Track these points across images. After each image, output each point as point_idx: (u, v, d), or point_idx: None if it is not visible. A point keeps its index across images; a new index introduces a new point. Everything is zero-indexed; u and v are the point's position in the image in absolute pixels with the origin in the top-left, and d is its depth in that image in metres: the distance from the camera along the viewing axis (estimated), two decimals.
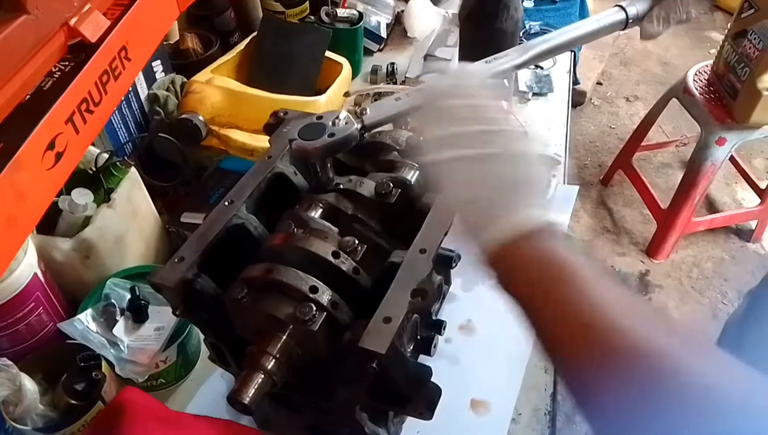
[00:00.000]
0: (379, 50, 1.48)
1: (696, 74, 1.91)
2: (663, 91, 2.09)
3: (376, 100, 1.27)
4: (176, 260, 0.57)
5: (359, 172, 0.67)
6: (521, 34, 1.39)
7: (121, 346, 0.76)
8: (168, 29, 1.13)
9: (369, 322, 0.50)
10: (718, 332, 0.93)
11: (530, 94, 1.32)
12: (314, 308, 0.52)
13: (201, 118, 1.04)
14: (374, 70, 1.37)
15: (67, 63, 0.48)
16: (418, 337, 0.67)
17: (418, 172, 0.66)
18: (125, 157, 0.91)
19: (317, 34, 1.23)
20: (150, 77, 1.11)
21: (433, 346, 0.68)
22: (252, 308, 0.54)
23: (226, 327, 0.59)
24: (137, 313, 0.78)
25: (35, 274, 0.74)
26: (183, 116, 1.04)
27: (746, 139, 1.78)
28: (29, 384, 0.68)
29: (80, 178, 0.85)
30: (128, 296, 0.79)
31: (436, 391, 0.56)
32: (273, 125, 0.71)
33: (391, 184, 0.63)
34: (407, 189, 0.64)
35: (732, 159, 2.19)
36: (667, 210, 2.05)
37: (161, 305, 0.79)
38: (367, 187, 0.64)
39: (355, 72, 1.35)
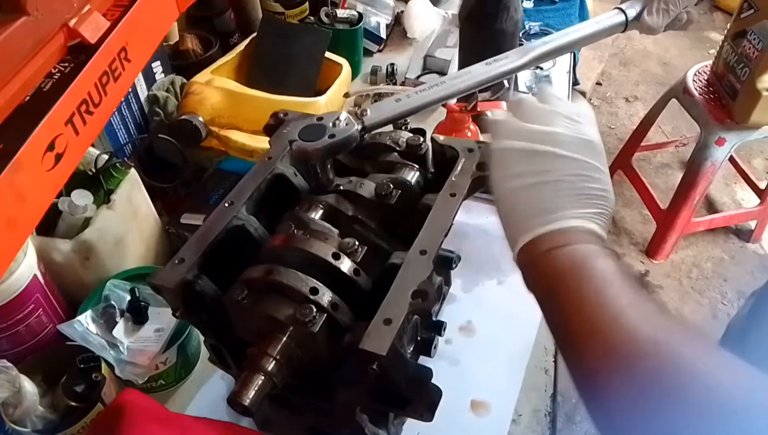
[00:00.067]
0: (379, 51, 1.48)
1: (695, 74, 1.91)
2: (662, 92, 2.09)
3: (375, 100, 1.27)
4: (176, 262, 0.57)
5: (359, 173, 0.67)
6: (521, 35, 1.39)
7: (121, 348, 0.76)
8: (168, 30, 1.13)
9: (369, 323, 0.50)
10: (720, 333, 0.93)
11: (530, 94, 1.32)
12: (314, 310, 0.52)
13: (201, 119, 1.04)
14: (374, 71, 1.37)
15: (66, 64, 0.48)
16: (419, 338, 0.67)
17: (417, 173, 0.66)
18: (125, 159, 0.91)
19: (317, 34, 1.23)
20: (150, 78, 1.11)
21: (433, 347, 0.68)
22: (252, 310, 0.54)
23: (226, 328, 0.59)
24: (137, 314, 0.78)
25: (35, 276, 0.74)
26: (183, 117, 1.04)
27: (746, 139, 1.78)
28: (29, 386, 0.67)
29: (80, 180, 0.85)
30: (128, 298, 0.79)
31: (437, 393, 0.56)
32: (273, 126, 0.71)
33: (392, 185, 0.63)
34: (407, 190, 0.64)
35: (731, 159, 2.19)
36: (667, 210, 2.05)
37: (161, 307, 0.79)
38: (368, 188, 0.64)
39: (355, 73, 1.35)
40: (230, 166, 1.07)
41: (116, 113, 1.02)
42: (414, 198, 0.64)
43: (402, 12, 1.52)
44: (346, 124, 0.59)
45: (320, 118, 0.61)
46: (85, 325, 0.77)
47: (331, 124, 0.59)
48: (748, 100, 1.66)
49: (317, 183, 0.65)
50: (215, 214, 0.61)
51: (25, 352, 0.76)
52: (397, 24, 1.54)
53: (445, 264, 0.68)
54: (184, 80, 1.14)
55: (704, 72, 1.90)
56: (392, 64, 1.37)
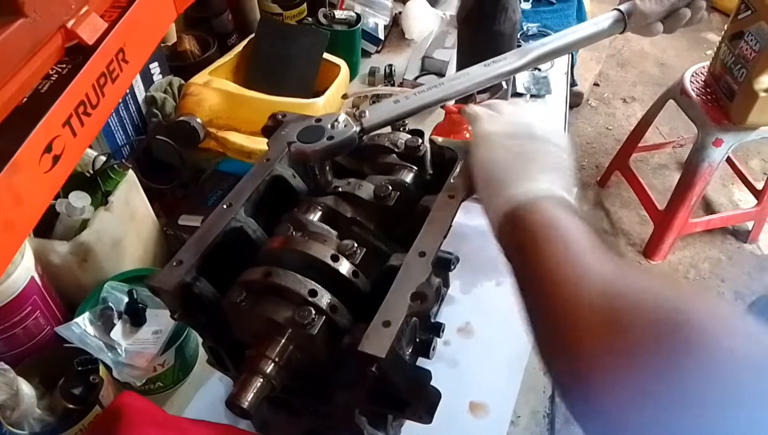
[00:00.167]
0: (377, 52, 1.48)
1: (693, 75, 1.92)
2: (660, 93, 2.09)
3: (374, 102, 1.27)
4: (174, 264, 0.56)
5: (358, 175, 0.67)
6: (519, 36, 1.39)
7: (119, 350, 0.75)
8: (165, 31, 1.13)
9: (368, 325, 0.49)
10: None
11: (528, 95, 1.32)
12: (313, 312, 0.52)
13: (199, 120, 1.04)
14: (372, 72, 1.37)
15: (64, 65, 0.48)
16: (417, 339, 0.66)
17: (416, 175, 0.66)
18: (123, 160, 0.90)
19: (315, 35, 1.23)
20: (147, 79, 1.11)
21: (432, 349, 0.68)
22: (251, 312, 0.54)
23: (225, 331, 0.59)
24: (135, 316, 0.78)
25: (32, 278, 0.74)
26: (181, 118, 1.03)
27: (743, 140, 1.79)
28: (26, 388, 0.67)
29: (77, 181, 0.85)
30: (126, 299, 0.79)
31: (436, 395, 0.56)
32: (271, 128, 0.71)
33: (390, 187, 0.63)
34: (406, 191, 0.64)
35: (728, 160, 2.20)
36: (664, 211, 2.05)
37: (159, 308, 0.78)
38: (366, 189, 0.63)
39: (353, 74, 1.35)
40: (228, 167, 1.07)
41: (114, 115, 1.02)
42: (412, 200, 0.64)
43: (400, 13, 1.52)
44: (345, 126, 0.59)
45: (319, 120, 0.60)
46: (82, 327, 0.76)
47: (329, 126, 0.59)
48: (746, 101, 1.66)
49: (316, 185, 0.65)
50: (213, 216, 0.60)
51: (23, 354, 0.76)
52: (395, 25, 1.54)
53: (443, 265, 0.67)
54: (182, 81, 1.14)
55: (701, 73, 1.91)
56: (390, 66, 1.37)
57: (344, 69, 1.22)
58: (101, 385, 0.71)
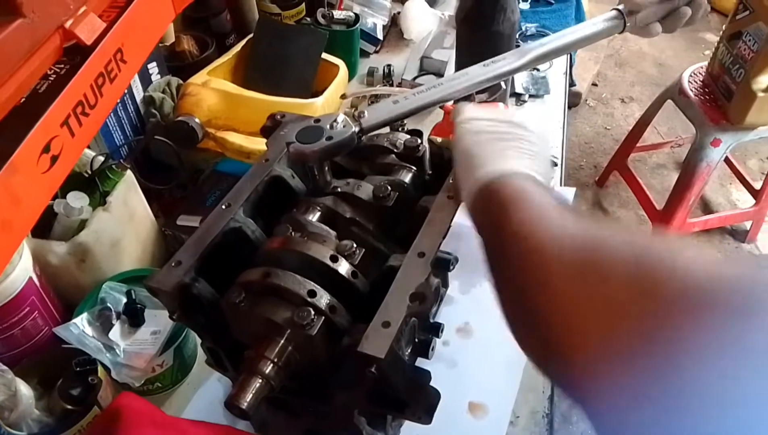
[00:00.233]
0: (376, 52, 1.48)
1: (691, 75, 1.92)
2: (658, 93, 2.09)
3: (372, 102, 1.27)
4: (173, 264, 0.56)
5: (357, 175, 0.67)
6: (517, 36, 1.39)
7: (117, 351, 0.75)
8: (164, 31, 1.13)
9: (368, 326, 0.49)
10: None
11: (527, 96, 1.32)
12: (312, 312, 0.52)
13: (197, 120, 1.04)
14: (371, 72, 1.37)
15: (62, 66, 0.48)
16: (416, 340, 0.66)
17: (415, 175, 0.66)
18: (121, 160, 0.90)
19: (313, 35, 1.23)
20: (146, 79, 1.11)
21: (431, 349, 0.68)
22: (250, 313, 0.54)
23: (224, 331, 0.59)
24: (133, 317, 0.78)
25: (30, 278, 0.74)
26: (179, 119, 1.03)
27: (741, 140, 1.79)
28: (24, 389, 0.67)
29: (76, 182, 0.84)
30: (124, 300, 0.79)
31: (435, 396, 0.56)
32: (270, 128, 0.71)
33: (389, 187, 0.63)
34: (405, 192, 0.64)
35: (726, 160, 2.20)
36: (663, 211, 2.05)
37: (157, 309, 0.78)
38: (365, 190, 0.63)
39: (352, 74, 1.35)
40: (227, 167, 1.07)
41: (112, 115, 1.02)
42: (412, 200, 0.64)
43: (399, 13, 1.52)
44: (344, 126, 0.59)
45: (317, 120, 0.60)
46: (81, 327, 0.76)
47: (328, 126, 0.59)
48: (744, 101, 1.67)
49: (315, 185, 0.65)
50: (212, 217, 0.60)
51: (21, 355, 0.76)
52: (394, 25, 1.54)
53: (442, 266, 0.67)
54: (181, 81, 1.13)
55: (700, 73, 1.91)
56: (389, 66, 1.36)
57: (343, 69, 1.22)
58: (100, 385, 0.70)
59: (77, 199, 0.81)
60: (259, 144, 1.01)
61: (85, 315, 0.78)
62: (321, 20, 1.33)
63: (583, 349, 0.35)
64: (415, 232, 0.57)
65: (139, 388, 0.77)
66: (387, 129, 0.68)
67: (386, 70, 1.36)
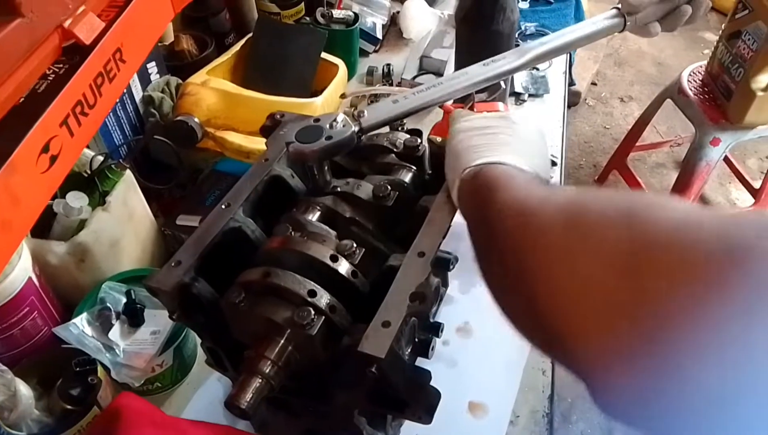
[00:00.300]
0: (375, 51, 1.48)
1: (690, 75, 1.92)
2: (657, 92, 2.09)
3: (372, 101, 1.27)
4: (173, 264, 0.56)
5: (356, 175, 0.67)
6: (517, 36, 1.39)
7: (117, 351, 0.75)
8: (163, 31, 1.13)
9: (368, 326, 0.49)
10: None
11: (526, 95, 1.32)
12: (312, 312, 0.52)
13: (196, 120, 1.04)
14: (370, 72, 1.37)
15: (61, 65, 0.48)
16: (416, 339, 0.66)
17: (415, 175, 0.66)
18: (120, 160, 0.90)
19: (313, 35, 1.22)
20: (145, 79, 1.11)
21: (430, 349, 0.68)
22: (250, 312, 0.54)
23: (224, 331, 0.59)
24: (133, 316, 0.78)
25: (30, 279, 0.74)
26: (178, 118, 1.03)
27: (740, 139, 1.79)
28: (24, 389, 0.67)
29: (75, 181, 0.84)
30: (124, 300, 0.79)
31: (436, 396, 0.56)
32: (270, 128, 0.71)
33: (389, 187, 0.63)
34: (405, 191, 0.64)
35: (726, 159, 2.20)
36: None
37: (157, 309, 0.78)
38: (365, 189, 0.63)
39: (351, 73, 1.35)
40: (226, 167, 1.07)
41: (111, 114, 1.02)
42: (411, 199, 0.64)
43: (398, 12, 1.52)
44: (343, 126, 0.59)
45: (317, 120, 0.60)
46: (80, 327, 0.76)
47: (328, 126, 0.59)
48: (743, 101, 1.67)
49: (314, 185, 0.64)
50: (212, 216, 0.60)
51: (21, 355, 0.76)
52: (393, 24, 1.54)
53: (442, 265, 0.67)
54: (180, 81, 1.13)
55: (699, 72, 1.91)
56: (388, 65, 1.36)
57: (342, 68, 1.22)
58: (99, 385, 0.70)
59: (76, 199, 0.80)
60: (258, 143, 1.01)
61: (84, 315, 0.78)
62: (320, 19, 1.33)
63: (582, 331, 0.34)
64: (415, 232, 0.57)
65: (139, 388, 0.76)
66: (387, 128, 0.68)
67: (386, 70, 1.36)
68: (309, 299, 0.53)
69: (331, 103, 1.15)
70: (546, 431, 0.79)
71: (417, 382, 0.56)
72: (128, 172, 0.89)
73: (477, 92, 0.93)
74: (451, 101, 0.73)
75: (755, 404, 0.28)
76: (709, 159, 1.82)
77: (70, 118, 0.47)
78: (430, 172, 0.69)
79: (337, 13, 1.35)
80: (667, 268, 0.30)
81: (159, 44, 1.19)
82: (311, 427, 0.68)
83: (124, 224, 0.88)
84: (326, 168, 0.63)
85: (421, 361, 0.67)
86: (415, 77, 1.32)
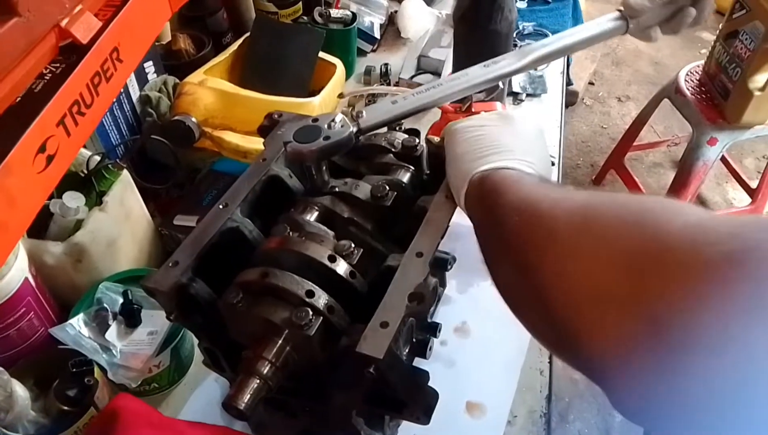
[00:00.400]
0: (373, 51, 1.47)
1: (687, 74, 1.92)
2: (654, 92, 2.10)
3: (369, 101, 1.27)
4: (170, 264, 0.56)
5: (354, 175, 0.66)
6: (514, 35, 1.39)
7: (114, 351, 0.75)
8: (160, 30, 1.13)
9: (366, 326, 0.49)
10: None
11: (524, 95, 1.32)
12: (310, 313, 0.51)
13: (194, 119, 1.03)
14: (368, 71, 1.36)
15: (58, 65, 0.48)
16: (414, 339, 0.66)
17: (413, 175, 0.66)
18: (117, 160, 0.90)
19: (310, 34, 1.22)
20: (142, 78, 1.10)
21: (428, 349, 0.68)
22: (247, 313, 0.54)
23: (221, 332, 0.58)
24: (130, 317, 0.77)
25: (26, 279, 0.74)
26: (175, 118, 1.03)
27: (737, 139, 1.79)
28: (20, 390, 0.67)
29: (72, 181, 0.84)
30: (121, 300, 0.79)
31: (434, 396, 0.56)
32: (267, 127, 0.71)
33: (387, 187, 0.62)
34: (403, 192, 0.64)
35: (723, 159, 2.20)
36: None
37: (154, 309, 0.78)
38: (363, 189, 0.63)
39: (349, 73, 1.35)
40: (224, 167, 1.07)
41: (108, 114, 1.01)
42: (410, 200, 0.64)
43: (396, 12, 1.52)
44: (342, 126, 0.59)
45: (315, 120, 0.60)
46: (77, 328, 0.76)
47: (326, 126, 0.59)
48: (740, 100, 1.67)
49: (312, 185, 0.64)
50: (209, 217, 0.60)
51: (17, 356, 0.75)
52: (391, 24, 1.54)
53: (440, 266, 0.67)
54: (177, 80, 1.13)
55: (696, 72, 1.91)
56: (386, 64, 1.36)
57: (340, 68, 1.22)
58: (96, 386, 0.70)
59: (73, 199, 0.80)
60: (256, 143, 1.00)
61: (81, 315, 0.77)
62: (318, 19, 1.33)
63: (592, 329, 0.35)
64: (413, 232, 0.57)
65: (136, 389, 0.76)
66: (384, 128, 0.68)
67: (383, 69, 1.36)
68: (307, 300, 0.52)
69: (328, 103, 1.15)
70: (543, 431, 0.79)
71: (415, 382, 0.56)
72: (125, 172, 0.89)
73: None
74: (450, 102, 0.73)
75: (756, 402, 0.28)
76: (706, 158, 1.83)
77: (66, 118, 0.47)
78: (428, 172, 0.69)
79: (334, 13, 1.35)
80: (676, 269, 0.31)
81: (156, 43, 1.19)
82: (309, 427, 0.68)
83: (121, 224, 0.87)
84: (324, 168, 0.63)
85: (418, 362, 0.66)
86: (412, 77, 1.32)
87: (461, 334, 0.86)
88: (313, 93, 1.14)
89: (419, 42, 1.40)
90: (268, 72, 1.18)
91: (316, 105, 1.10)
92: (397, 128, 0.72)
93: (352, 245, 0.58)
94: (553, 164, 1.12)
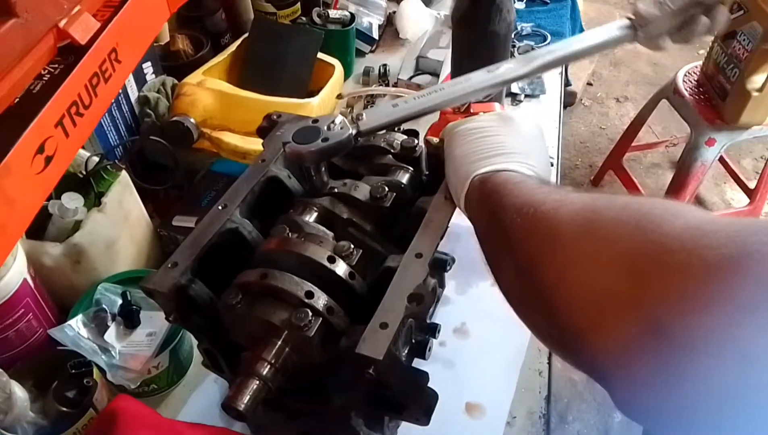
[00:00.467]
0: (371, 51, 1.48)
1: (686, 75, 1.92)
2: (653, 92, 2.10)
3: (368, 101, 1.27)
4: (169, 265, 0.56)
5: (354, 176, 0.66)
6: (513, 36, 1.39)
7: (113, 352, 0.75)
8: (158, 31, 1.12)
9: (365, 327, 0.49)
10: None
11: (522, 96, 1.32)
12: (310, 314, 0.51)
13: (192, 120, 1.03)
14: (366, 72, 1.37)
15: (56, 65, 0.48)
16: (413, 340, 0.66)
17: (412, 176, 0.66)
18: (116, 161, 0.90)
19: (309, 35, 1.22)
20: (140, 79, 1.10)
21: (427, 350, 0.68)
22: (247, 314, 0.54)
23: (220, 333, 0.58)
24: (129, 318, 0.77)
25: (25, 280, 0.73)
26: (174, 119, 1.03)
27: (735, 139, 1.80)
28: (19, 392, 0.66)
29: (70, 182, 0.84)
30: (119, 301, 0.79)
31: (433, 397, 0.56)
32: (266, 128, 0.71)
33: (386, 188, 0.62)
34: (402, 192, 0.63)
35: (721, 159, 2.21)
36: None
37: (153, 310, 0.78)
38: (362, 190, 0.63)
39: (347, 73, 1.35)
40: (222, 168, 1.07)
41: (107, 115, 1.01)
42: (409, 201, 0.63)
43: (394, 13, 1.52)
44: (341, 128, 0.59)
45: (316, 121, 0.60)
46: (76, 329, 0.76)
47: (325, 128, 0.59)
48: (738, 101, 1.67)
49: (311, 186, 0.64)
50: (208, 218, 0.60)
51: (16, 357, 0.75)
52: (390, 25, 1.54)
53: (439, 266, 0.67)
54: (175, 81, 1.13)
55: (694, 72, 1.92)
56: (385, 65, 1.36)
57: (338, 69, 1.22)
58: (95, 388, 0.70)
59: (72, 200, 0.80)
60: (254, 144, 1.00)
61: (80, 317, 0.77)
62: (316, 20, 1.33)
63: (594, 329, 0.35)
64: (412, 233, 0.57)
65: (135, 390, 0.76)
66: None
67: (382, 70, 1.36)
68: (306, 301, 0.52)
69: (327, 104, 1.15)
70: (543, 432, 0.79)
71: (414, 383, 0.56)
72: (124, 173, 0.89)
73: None
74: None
75: (756, 403, 0.28)
76: (704, 159, 1.83)
77: (65, 119, 0.47)
78: (427, 172, 0.68)
79: (333, 13, 1.35)
80: (677, 272, 0.31)
81: (155, 44, 1.19)
82: (308, 428, 0.68)
83: (119, 225, 0.87)
84: (323, 169, 0.63)
85: (418, 362, 0.66)
86: (411, 77, 1.32)
87: (460, 335, 0.86)
88: (312, 94, 1.14)
89: (418, 43, 1.40)
90: (267, 73, 1.18)
91: (314, 106, 1.10)
92: (396, 129, 0.71)
93: (352, 246, 0.58)
94: (552, 165, 1.12)
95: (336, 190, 0.64)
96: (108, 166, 0.87)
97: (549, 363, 0.84)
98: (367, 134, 0.61)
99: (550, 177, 0.56)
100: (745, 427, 0.29)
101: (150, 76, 1.12)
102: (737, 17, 1.66)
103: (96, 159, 0.88)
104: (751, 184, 2.18)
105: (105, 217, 0.83)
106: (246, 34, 1.23)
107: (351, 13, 1.36)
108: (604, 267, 0.35)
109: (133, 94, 1.08)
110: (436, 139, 0.67)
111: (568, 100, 2.77)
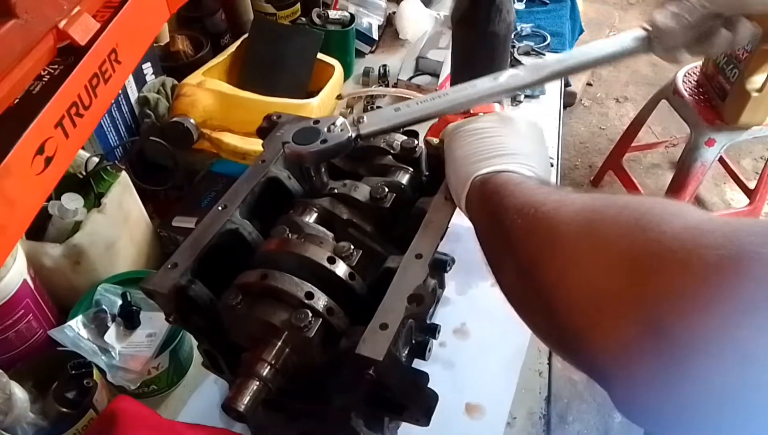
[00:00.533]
0: (371, 52, 1.48)
1: (685, 75, 1.92)
2: (652, 92, 2.10)
3: (368, 102, 1.27)
4: (169, 266, 0.56)
5: (354, 177, 0.66)
6: (512, 37, 1.39)
7: (113, 353, 0.75)
8: (158, 31, 1.12)
9: (365, 328, 0.49)
10: None
11: (522, 96, 1.32)
12: (310, 314, 0.51)
13: (192, 121, 1.03)
14: (366, 72, 1.37)
15: (56, 66, 0.48)
16: (413, 341, 0.66)
17: (412, 176, 0.66)
18: (116, 161, 0.90)
19: (309, 36, 1.22)
20: (140, 80, 1.10)
21: (427, 351, 0.68)
22: (247, 315, 0.54)
23: (220, 334, 0.58)
24: (129, 319, 0.77)
25: (24, 281, 0.73)
26: (174, 119, 1.03)
27: (735, 140, 1.80)
28: (19, 392, 0.66)
29: (70, 183, 0.84)
30: (119, 302, 0.79)
31: (433, 398, 0.56)
32: (266, 129, 0.71)
33: (386, 189, 0.62)
34: (402, 193, 0.63)
35: (721, 159, 2.21)
36: None
37: (153, 311, 0.78)
38: (362, 191, 0.63)
39: (347, 74, 1.35)
40: (222, 168, 1.07)
41: (107, 115, 1.01)
42: (409, 201, 0.63)
43: (394, 13, 1.52)
44: (341, 130, 0.59)
45: (317, 122, 0.60)
46: (76, 330, 0.76)
47: (325, 129, 0.59)
48: (738, 101, 1.67)
49: (311, 186, 0.64)
50: (208, 218, 0.60)
51: (16, 358, 0.75)
52: (389, 25, 1.54)
53: (439, 267, 0.67)
54: (175, 82, 1.13)
55: (694, 73, 1.92)
56: (384, 66, 1.36)
57: (338, 69, 1.22)
58: (95, 388, 0.70)
59: (72, 201, 0.80)
60: (254, 145, 1.00)
61: (80, 317, 0.77)
62: (316, 20, 1.33)
63: (595, 328, 0.35)
64: (412, 234, 0.57)
65: (135, 391, 0.76)
66: None
67: (382, 71, 1.36)
68: (306, 301, 0.52)
69: (327, 104, 1.15)
70: (543, 432, 0.79)
71: (415, 384, 0.56)
72: (124, 174, 0.89)
73: None
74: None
75: (755, 403, 0.28)
76: (704, 159, 1.83)
77: (65, 120, 0.47)
78: (426, 173, 0.68)
79: (333, 14, 1.35)
80: (676, 272, 0.31)
81: (154, 45, 1.19)
82: (308, 429, 0.67)
83: (119, 226, 0.87)
84: (323, 170, 0.63)
85: (418, 363, 0.66)
86: (411, 78, 1.32)
87: (460, 336, 0.86)
88: (312, 94, 1.14)
89: (417, 43, 1.40)
90: (267, 73, 1.18)
91: (314, 106, 1.10)
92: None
93: (352, 247, 0.58)
94: (551, 165, 1.12)
95: (336, 190, 0.64)
96: (108, 167, 0.87)
97: (549, 363, 0.84)
98: (368, 137, 0.61)
99: (551, 178, 0.56)
100: (745, 427, 0.29)
101: (150, 77, 1.12)
102: None
103: (96, 160, 0.88)
104: (751, 185, 2.18)
105: (105, 217, 0.83)
106: (246, 35, 1.23)
107: (351, 14, 1.36)
108: (604, 267, 0.35)
109: (133, 94, 1.08)
110: (436, 140, 0.67)
111: (568, 100, 2.77)
